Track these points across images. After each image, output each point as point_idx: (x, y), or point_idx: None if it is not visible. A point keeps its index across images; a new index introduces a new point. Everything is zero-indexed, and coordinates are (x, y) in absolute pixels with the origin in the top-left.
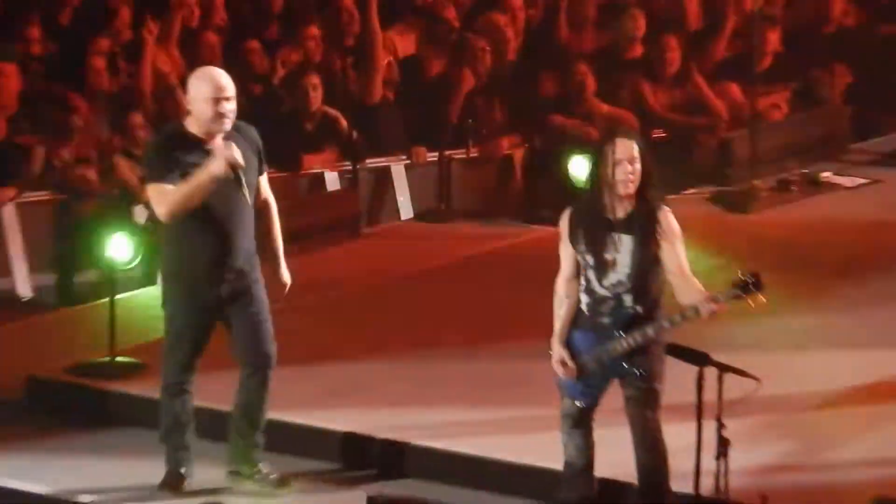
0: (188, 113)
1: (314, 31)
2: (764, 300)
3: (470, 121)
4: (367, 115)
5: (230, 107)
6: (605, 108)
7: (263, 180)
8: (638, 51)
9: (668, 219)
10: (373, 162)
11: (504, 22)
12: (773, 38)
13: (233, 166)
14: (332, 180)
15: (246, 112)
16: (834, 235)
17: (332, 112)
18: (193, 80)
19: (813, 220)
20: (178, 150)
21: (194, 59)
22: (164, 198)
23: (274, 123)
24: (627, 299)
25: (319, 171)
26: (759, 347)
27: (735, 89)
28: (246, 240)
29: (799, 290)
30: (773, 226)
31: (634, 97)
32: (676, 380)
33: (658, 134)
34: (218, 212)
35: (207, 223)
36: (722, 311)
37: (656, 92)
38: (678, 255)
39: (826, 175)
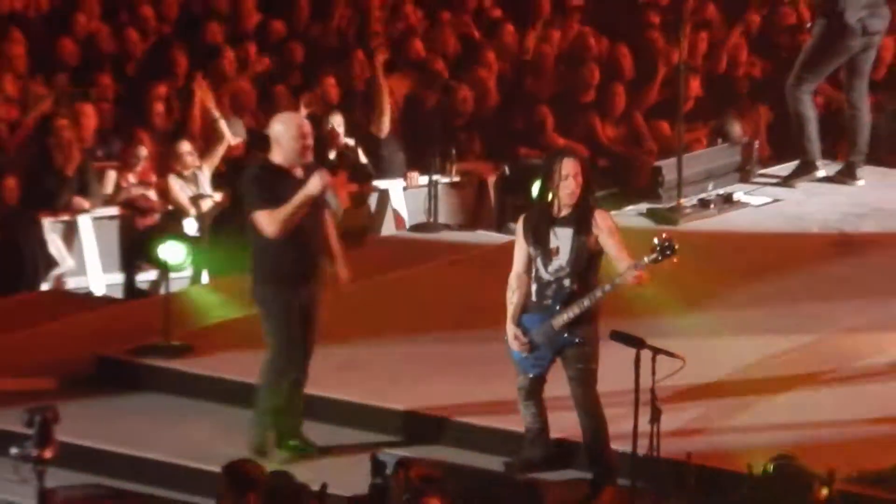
0: (270, 150)
1: (332, 79)
2: (676, 260)
3: (452, 150)
4: (375, 145)
5: (311, 143)
6: (562, 141)
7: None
8: (591, 95)
9: (603, 215)
10: (377, 184)
11: (485, 75)
12: (695, 86)
13: (324, 188)
14: (344, 199)
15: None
16: (744, 244)
17: (350, 143)
18: (280, 124)
19: (728, 231)
20: (271, 181)
21: (234, 101)
22: (271, 219)
23: None
24: (567, 281)
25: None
26: (684, 334)
27: (665, 126)
28: (322, 244)
29: (716, 288)
30: (695, 236)
31: (587, 131)
32: (620, 360)
33: (603, 162)
34: (308, 226)
35: (301, 235)
36: (644, 278)
37: (605, 127)
38: (615, 244)
39: (738, 195)
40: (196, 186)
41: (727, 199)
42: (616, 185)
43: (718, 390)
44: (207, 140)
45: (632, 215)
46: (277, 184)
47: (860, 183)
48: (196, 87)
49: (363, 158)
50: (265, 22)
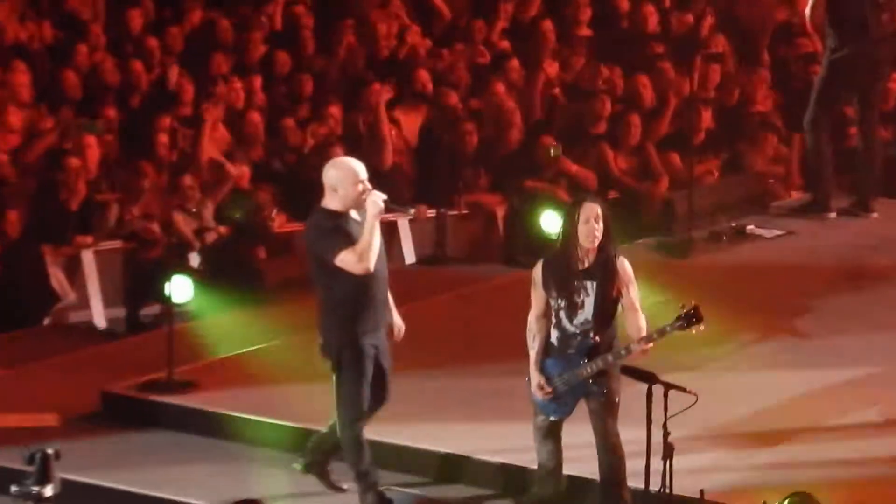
0: (324, 196)
1: (335, 110)
2: (703, 329)
3: (460, 184)
4: (380, 178)
5: (368, 186)
6: (574, 167)
7: None
8: (602, 127)
9: (624, 267)
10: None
11: (508, 105)
12: (706, 117)
13: (386, 203)
14: None
15: (284, 176)
16: (757, 277)
17: None
18: (336, 170)
19: (740, 264)
20: (341, 225)
21: (240, 134)
22: (355, 256)
23: (306, 185)
24: (591, 333)
25: None
26: (696, 369)
27: (676, 158)
28: (385, 295)
29: (729, 322)
30: (706, 269)
31: (599, 162)
32: (632, 396)
33: (614, 194)
34: (381, 263)
35: (370, 283)
36: (650, 348)
37: (617, 158)
38: (631, 297)
39: (750, 228)
40: (200, 220)
41: (739, 232)
42: (627, 218)
43: (732, 427)
44: (213, 172)
45: (643, 248)
46: (345, 226)
47: (874, 216)
48: (206, 116)
49: None
50: (271, 54)
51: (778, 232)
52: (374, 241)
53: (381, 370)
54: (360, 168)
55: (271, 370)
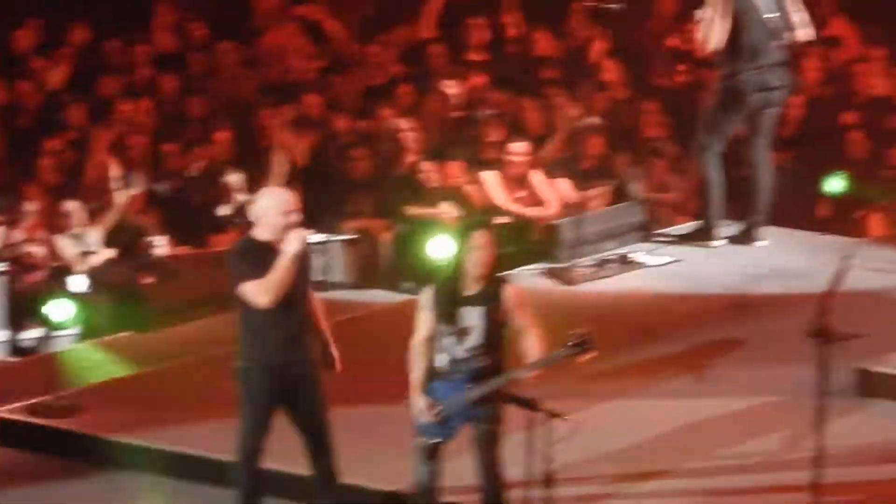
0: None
1: (226, 134)
2: (593, 357)
3: (346, 209)
4: None
5: (296, 218)
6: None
7: None
8: (491, 152)
9: (511, 289)
10: None
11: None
12: (595, 144)
13: (302, 244)
14: None
15: (164, 199)
16: (642, 305)
17: (246, 200)
18: (264, 198)
19: (626, 291)
20: (257, 256)
21: (126, 158)
22: (261, 288)
23: (191, 210)
24: (479, 358)
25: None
26: (580, 397)
27: (565, 184)
28: (308, 329)
29: (612, 350)
30: (593, 296)
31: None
32: (514, 422)
33: (500, 220)
34: (296, 298)
35: (288, 310)
36: (538, 374)
37: (504, 184)
38: (523, 321)
39: (637, 255)
40: (86, 244)
41: (625, 260)
42: (513, 244)
43: (616, 456)
44: (101, 196)
45: (529, 275)
46: (259, 258)
47: (761, 244)
48: (96, 142)
49: None
50: (158, 76)
51: (665, 259)
52: (282, 277)
53: (298, 404)
54: (287, 200)
55: (156, 394)
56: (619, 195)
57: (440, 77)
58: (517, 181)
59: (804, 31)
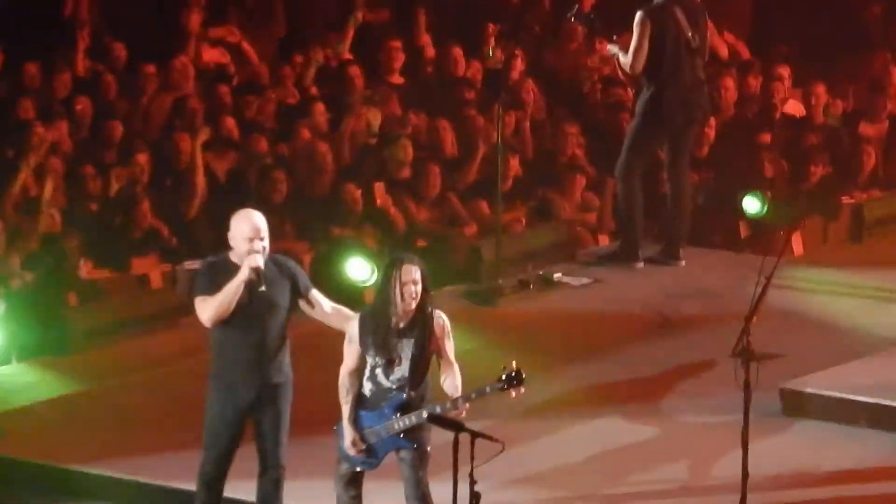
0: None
1: (144, 157)
2: (523, 392)
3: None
4: (187, 226)
5: (263, 244)
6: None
7: (317, 297)
8: (406, 173)
9: (441, 322)
10: (190, 265)
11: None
12: (515, 165)
13: (256, 272)
14: (156, 279)
15: (85, 223)
16: (564, 325)
17: (158, 223)
18: (234, 221)
19: (547, 312)
20: (220, 274)
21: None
22: (205, 305)
23: (108, 232)
24: (406, 389)
25: (144, 271)
26: (504, 418)
27: (484, 205)
28: (278, 352)
29: (535, 370)
30: (514, 317)
31: (404, 211)
32: (439, 444)
33: (421, 242)
34: (252, 323)
35: (244, 333)
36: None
37: (419, 208)
38: (447, 352)
39: (558, 276)
40: (6, 266)
41: (547, 280)
42: (434, 265)
43: (539, 477)
44: (19, 218)
45: (449, 296)
46: (223, 278)
47: (681, 264)
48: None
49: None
50: (75, 98)
51: (586, 280)
52: (224, 300)
53: (257, 426)
54: (253, 226)
55: (78, 417)
56: (539, 216)
57: (357, 98)
58: (436, 202)
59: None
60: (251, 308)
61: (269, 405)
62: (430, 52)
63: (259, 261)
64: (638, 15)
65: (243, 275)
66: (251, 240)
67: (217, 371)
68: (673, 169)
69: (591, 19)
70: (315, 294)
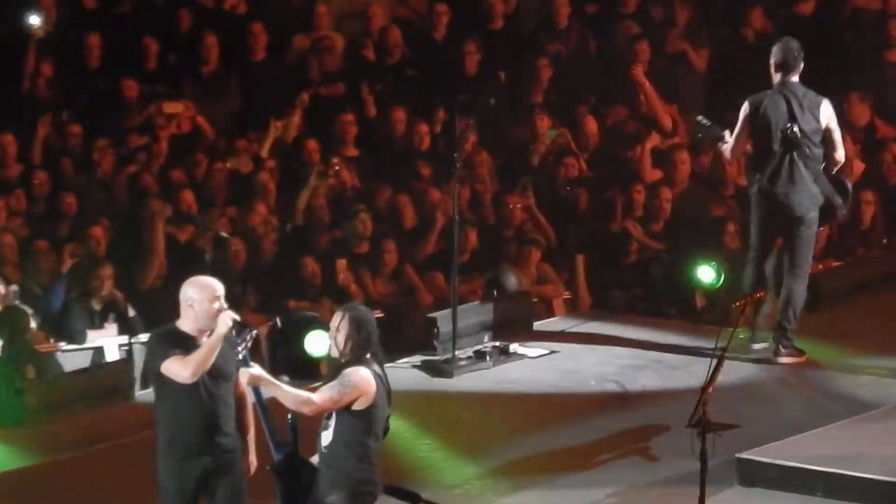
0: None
1: (100, 231)
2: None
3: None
4: (143, 297)
5: (224, 305)
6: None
7: (241, 375)
8: (365, 247)
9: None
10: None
11: (263, 224)
12: (472, 238)
13: (236, 323)
14: (112, 351)
15: (38, 296)
16: (520, 397)
17: (117, 294)
18: (191, 287)
19: (503, 383)
20: (176, 343)
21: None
22: (183, 364)
23: (63, 305)
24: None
25: (101, 344)
26: (459, 489)
27: (440, 277)
28: (228, 419)
29: (490, 442)
30: (470, 388)
31: (362, 286)
32: None
33: (378, 314)
34: (208, 389)
35: (200, 399)
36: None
37: (375, 282)
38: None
39: (514, 347)
40: None
41: (503, 351)
42: (387, 338)
43: None
44: None
45: (406, 367)
46: (184, 346)
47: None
48: None
49: (132, 311)
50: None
51: (542, 351)
52: (206, 354)
53: (215, 497)
54: (217, 286)
55: (33, 490)
56: (495, 288)
57: (313, 171)
58: (393, 274)
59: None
60: (207, 373)
61: (225, 474)
62: (386, 124)
63: (233, 315)
64: (744, 104)
65: (223, 328)
66: (217, 298)
67: (169, 441)
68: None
69: (713, 127)
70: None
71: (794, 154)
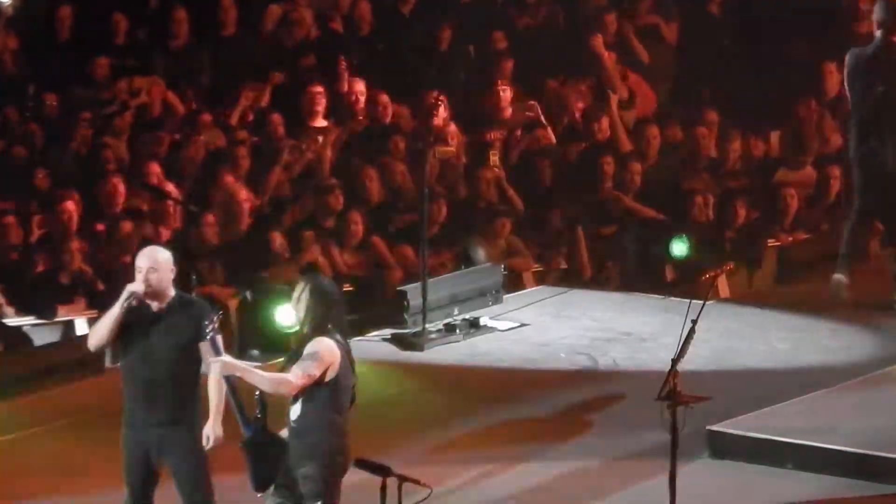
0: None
1: (71, 204)
2: None
3: (193, 277)
4: (116, 274)
5: (148, 276)
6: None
7: (204, 347)
8: (330, 222)
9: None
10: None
11: (242, 196)
12: (441, 210)
13: (132, 295)
14: (82, 326)
15: (5, 271)
16: (490, 370)
17: (87, 269)
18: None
19: (474, 356)
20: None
21: None
22: (91, 330)
23: (31, 280)
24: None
25: (70, 317)
26: (432, 462)
27: (409, 251)
28: (174, 392)
29: (459, 414)
30: (440, 361)
31: (328, 258)
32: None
33: (346, 287)
34: (146, 358)
35: (136, 374)
36: None
37: (343, 254)
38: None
39: (484, 320)
40: None
41: (473, 324)
42: (357, 311)
43: None
44: None
45: (376, 340)
46: (130, 312)
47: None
48: None
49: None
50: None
51: (512, 324)
52: (101, 323)
53: (170, 468)
54: (140, 257)
55: (3, 463)
56: (465, 260)
57: (281, 144)
58: (362, 247)
59: None
60: (146, 343)
61: (174, 449)
62: (356, 98)
63: (137, 286)
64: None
65: (120, 300)
66: (138, 270)
67: (123, 408)
68: None
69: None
70: (207, 345)
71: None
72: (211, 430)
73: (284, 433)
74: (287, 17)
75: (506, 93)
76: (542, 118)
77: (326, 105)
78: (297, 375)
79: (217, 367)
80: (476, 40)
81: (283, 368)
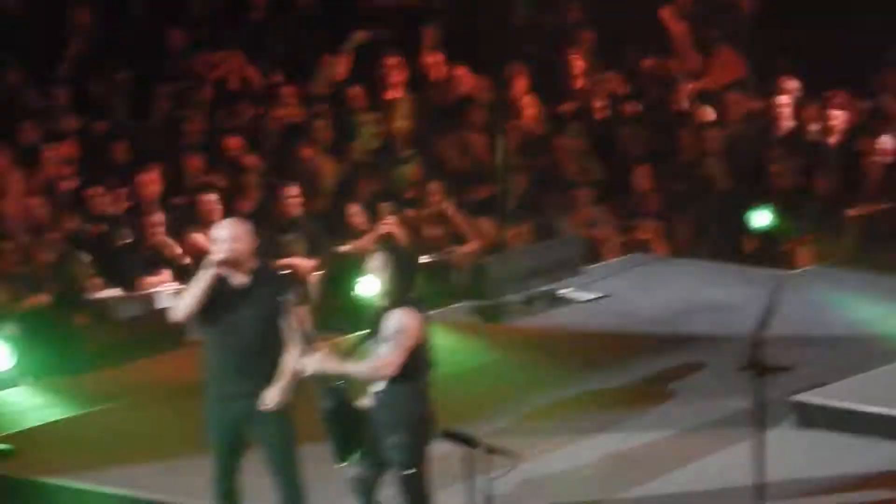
0: None
1: (152, 176)
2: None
3: (275, 249)
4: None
5: (223, 247)
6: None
7: (285, 322)
8: (412, 192)
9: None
10: None
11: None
12: (521, 182)
13: (212, 264)
14: (165, 298)
15: (91, 243)
16: (572, 341)
17: (168, 241)
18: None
19: (554, 328)
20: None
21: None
22: (176, 302)
23: (116, 252)
24: None
25: (153, 290)
26: (518, 432)
27: (489, 223)
28: (260, 363)
29: (541, 385)
30: (520, 333)
31: (409, 230)
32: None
33: (427, 258)
34: (232, 328)
35: (223, 345)
36: None
37: (423, 225)
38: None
39: (565, 292)
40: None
41: (554, 296)
42: (439, 282)
43: (553, 490)
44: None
45: (455, 313)
46: (213, 284)
47: None
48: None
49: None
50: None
51: (592, 295)
52: (189, 298)
53: (259, 439)
54: (215, 231)
55: (93, 436)
56: (545, 232)
57: (360, 116)
58: (439, 220)
59: None
60: (231, 315)
61: (265, 420)
62: (435, 69)
63: (219, 257)
64: None
65: (204, 269)
66: (220, 241)
67: (209, 384)
68: None
69: None
70: (286, 317)
71: None
72: (274, 393)
73: (364, 403)
74: None
75: (579, 63)
76: (620, 89)
77: (404, 77)
78: (392, 354)
79: (311, 364)
80: (552, 12)
81: (365, 341)
